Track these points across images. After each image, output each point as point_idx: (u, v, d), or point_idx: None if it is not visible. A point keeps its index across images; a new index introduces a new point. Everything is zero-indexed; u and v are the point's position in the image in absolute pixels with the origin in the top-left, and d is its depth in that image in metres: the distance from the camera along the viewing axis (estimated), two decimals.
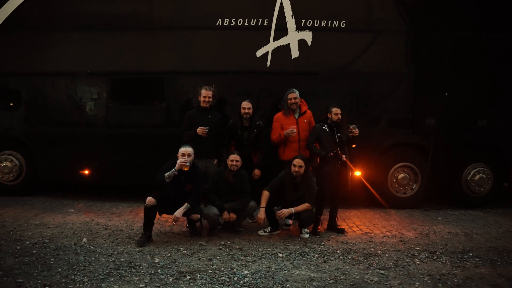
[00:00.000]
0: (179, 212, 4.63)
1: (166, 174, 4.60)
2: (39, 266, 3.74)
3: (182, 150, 4.73)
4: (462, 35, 6.44)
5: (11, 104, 6.84)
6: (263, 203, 4.90)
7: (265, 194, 4.95)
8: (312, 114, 5.63)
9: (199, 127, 5.27)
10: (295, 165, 4.88)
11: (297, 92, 5.47)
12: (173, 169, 4.59)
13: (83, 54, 6.55)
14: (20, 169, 6.84)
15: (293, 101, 5.40)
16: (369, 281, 3.57)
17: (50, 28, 6.61)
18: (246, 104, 5.43)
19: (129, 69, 6.54)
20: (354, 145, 5.33)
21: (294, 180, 4.95)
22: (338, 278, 3.64)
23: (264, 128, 5.57)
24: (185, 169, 4.61)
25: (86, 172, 6.63)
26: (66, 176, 6.75)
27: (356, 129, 5.15)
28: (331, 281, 3.56)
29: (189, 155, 4.69)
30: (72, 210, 6.06)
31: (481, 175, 6.52)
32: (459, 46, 6.43)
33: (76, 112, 6.73)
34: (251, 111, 5.42)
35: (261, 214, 4.86)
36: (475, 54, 6.45)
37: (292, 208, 4.87)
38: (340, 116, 5.20)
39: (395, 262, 4.10)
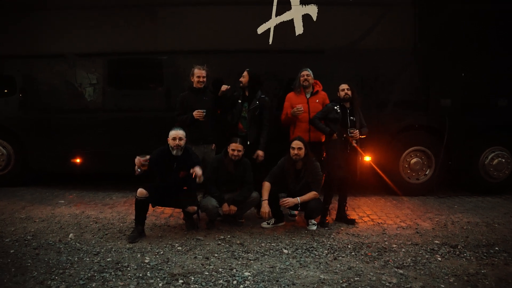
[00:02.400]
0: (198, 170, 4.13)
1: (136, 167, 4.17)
2: (13, 269, 3.31)
3: (173, 133, 4.28)
4: (481, 6, 5.90)
5: None
6: (265, 195, 4.45)
7: (266, 185, 4.50)
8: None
9: (196, 111, 4.81)
10: (293, 148, 4.45)
11: (311, 71, 5.14)
12: (136, 168, 4.14)
13: (76, 35, 6.09)
14: (8, 158, 6.45)
15: (305, 77, 5.09)
16: (388, 283, 3.14)
17: (41, 7, 6.15)
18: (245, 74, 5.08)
19: (125, 50, 6.08)
20: (363, 136, 4.86)
21: (295, 165, 4.52)
22: (352, 280, 3.20)
23: (269, 105, 5.09)
24: (143, 168, 4.14)
25: (78, 160, 6.23)
26: (58, 165, 6.34)
27: (357, 131, 4.65)
28: (344, 284, 3.12)
29: (180, 138, 4.26)
30: (63, 201, 5.67)
31: (499, 159, 6.09)
32: (477, 18, 5.90)
33: (68, 97, 6.27)
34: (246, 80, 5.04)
35: (265, 207, 4.40)
36: (495, 28, 5.91)
37: (298, 197, 4.44)
38: (347, 92, 4.74)
39: (413, 258, 3.67)
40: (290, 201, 4.43)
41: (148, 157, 4.13)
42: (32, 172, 6.53)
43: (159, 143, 4.51)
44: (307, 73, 5.11)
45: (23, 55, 6.24)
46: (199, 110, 4.82)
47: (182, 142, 4.30)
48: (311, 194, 4.47)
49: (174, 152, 4.28)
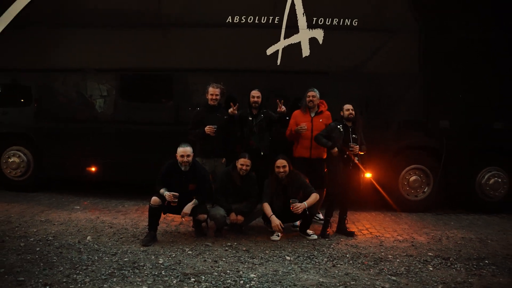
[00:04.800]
0: (187, 208, 4.56)
1: (161, 192, 4.52)
2: (41, 264, 3.67)
3: (181, 150, 4.64)
4: (478, 35, 6.25)
5: (19, 99, 6.85)
6: (269, 211, 4.77)
7: (266, 205, 4.82)
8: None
9: (207, 126, 5.17)
10: (279, 167, 4.81)
11: (317, 92, 5.46)
12: (165, 199, 4.49)
13: (92, 51, 6.52)
14: (28, 164, 6.82)
15: (311, 98, 5.40)
16: None
17: (60, 24, 6.59)
18: (255, 93, 5.49)
19: (138, 66, 6.49)
20: (362, 153, 5.17)
21: (281, 183, 4.84)
22: (348, 283, 3.50)
23: (272, 117, 5.49)
24: (173, 205, 4.52)
25: (93, 169, 6.58)
26: (72, 173, 6.72)
27: (356, 146, 4.96)
28: (340, 287, 3.43)
29: (188, 155, 4.62)
30: (78, 207, 6.01)
31: (496, 179, 6.32)
32: (475, 46, 6.24)
33: (83, 108, 6.70)
34: (260, 99, 5.46)
35: (275, 221, 4.70)
36: (491, 55, 6.24)
37: (304, 202, 4.70)
38: (352, 112, 5.06)
39: (407, 267, 3.95)
40: (300, 206, 4.64)
41: (176, 194, 4.47)
42: (47, 179, 6.89)
43: (167, 154, 4.88)
44: (313, 94, 5.41)
45: (40, 69, 6.66)
46: (211, 126, 5.18)
47: (190, 158, 4.66)
48: (313, 197, 4.74)
49: (182, 168, 4.66)
